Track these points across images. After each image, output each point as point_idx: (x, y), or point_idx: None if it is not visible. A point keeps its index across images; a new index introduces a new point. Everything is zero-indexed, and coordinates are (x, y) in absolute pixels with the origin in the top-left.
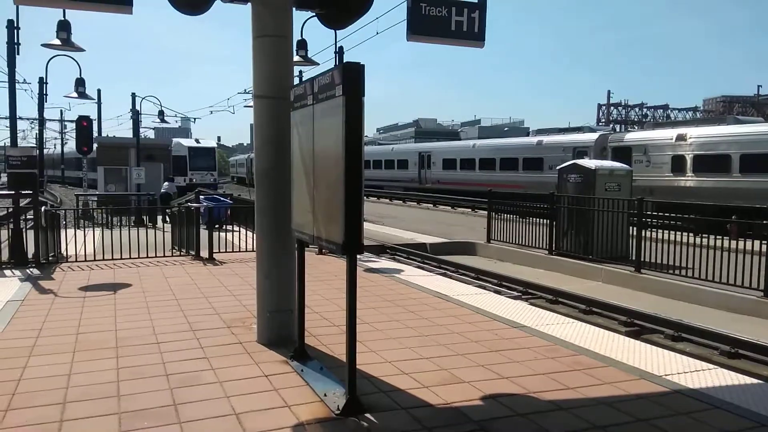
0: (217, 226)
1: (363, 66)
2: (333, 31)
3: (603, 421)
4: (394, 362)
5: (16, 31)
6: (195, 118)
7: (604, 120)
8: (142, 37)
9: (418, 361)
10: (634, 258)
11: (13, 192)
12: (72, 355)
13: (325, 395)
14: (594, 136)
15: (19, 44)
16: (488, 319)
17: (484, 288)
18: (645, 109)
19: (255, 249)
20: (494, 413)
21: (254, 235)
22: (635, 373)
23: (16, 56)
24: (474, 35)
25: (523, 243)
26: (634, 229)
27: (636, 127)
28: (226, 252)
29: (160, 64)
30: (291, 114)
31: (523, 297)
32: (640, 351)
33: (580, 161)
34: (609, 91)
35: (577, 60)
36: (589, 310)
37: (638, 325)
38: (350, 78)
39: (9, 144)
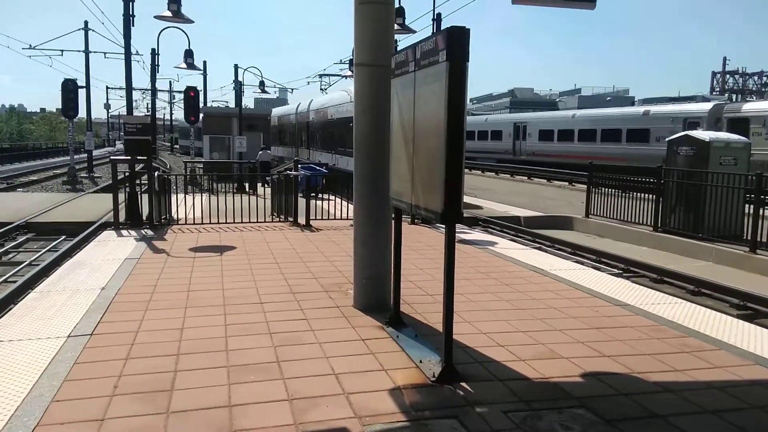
0: (312, 194)
1: (468, 30)
2: None
3: (715, 405)
4: (489, 334)
5: (131, 3)
6: (293, 89)
7: (718, 89)
8: (244, 6)
9: (513, 334)
10: (749, 237)
11: (129, 157)
12: (184, 310)
13: (421, 362)
14: (707, 105)
15: (134, 16)
16: (587, 295)
17: (582, 264)
18: (765, 77)
19: (351, 217)
20: (595, 391)
21: (349, 203)
22: (750, 358)
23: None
24: None
25: (626, 219)
26: (751, 206)
27: (754, 97)
28: (321, 219)
29: (260, 35)
30: (392, 82)
31: (624, 274)
32: (754, 335)
33: (692, 132)
34: (725, 58)
35: (690, 24)
36: (698, 291)
37: (752, 309)
38: (455, 42)
39: (125, 113)
